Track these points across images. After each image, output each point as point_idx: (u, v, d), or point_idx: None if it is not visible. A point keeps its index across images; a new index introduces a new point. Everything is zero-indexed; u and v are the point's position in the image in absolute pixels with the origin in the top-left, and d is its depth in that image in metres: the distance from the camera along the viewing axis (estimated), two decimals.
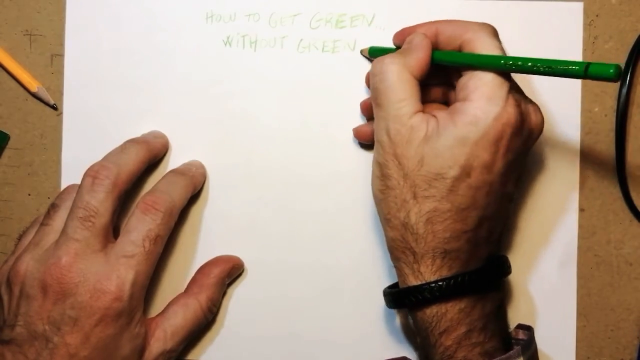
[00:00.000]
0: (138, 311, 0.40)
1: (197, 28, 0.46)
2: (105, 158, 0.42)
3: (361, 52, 0.45)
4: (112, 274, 0.39)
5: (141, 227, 0.40)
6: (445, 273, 0.38)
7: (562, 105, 0.45)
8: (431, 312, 0.38)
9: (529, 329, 0.41)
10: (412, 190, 0.38)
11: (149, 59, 0.46)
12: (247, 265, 0.46)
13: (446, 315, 0.37)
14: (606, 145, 0.46)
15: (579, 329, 0.45)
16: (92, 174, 0.41)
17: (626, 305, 0.46)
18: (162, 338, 0.41)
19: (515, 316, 0.45)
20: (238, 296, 0.46)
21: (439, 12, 0.45)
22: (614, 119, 0.45)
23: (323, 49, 0.46)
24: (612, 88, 0.45)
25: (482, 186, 0.37)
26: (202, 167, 0.45)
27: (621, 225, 0.46)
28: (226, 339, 0.46)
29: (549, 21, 0.45)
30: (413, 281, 0.38)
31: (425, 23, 0.41)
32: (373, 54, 0.45)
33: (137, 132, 0.45)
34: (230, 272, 0.45)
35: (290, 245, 0.46)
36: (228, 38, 0.46)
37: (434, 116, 0.38)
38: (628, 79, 0.45)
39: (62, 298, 0.38)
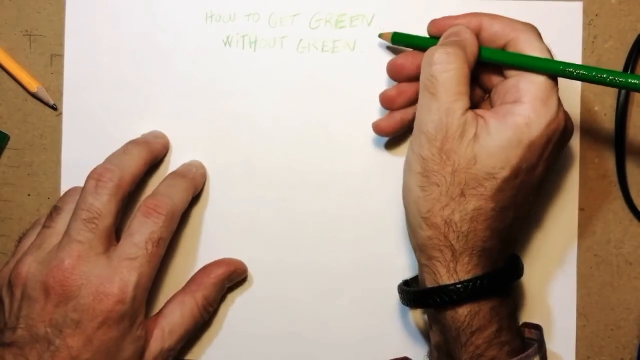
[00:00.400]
0: (140, 314, 0.40)
1: (196, 28, 0.46)
2: (108, 160, 0.42)
3: (380, 35, 0.44)
4: (114, 276, 0.39)
5: (143, 230, 0.40)
6: (478, 271, 0.37)
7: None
8: (464, 311, 0.37)
9: (537, 328, 0.41)
10: (460, 188, 0.37)
11: (149, 59, 0.46)
12: (247, 264, 0.46)
13: (479, 313, 0.37)
14: (606, 144, 0.46)
15: (579, 328, 0.45)
16: (95, 176, 0.40)
17: (626, 304, 0.46)
18: (160, 337, 0.41)
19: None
20: (238, 296, 0.46)
21: (438, 12, 0.45)
22: (613, 118, 0.45)
23: (323, 49, 0.46)
24: (612, 88, 0.45)
25: (524, 187, 0.38)
26: (202, 167, 0.45)
27: (621, 224, 0.46)
28: (226, 339, 0.46)
29: (548, 20, 0.45)
30: (447, 280, 0.37)
31: (467, 15, 0.41)
32: (397, 40, 0.44)
33: (137, 132, 0.45)
34: (232, 275, 0.45)
35: (290, 245, 0.46)
36: (228, 38, 0.46)
37: (481, 116, 0.38)
38: None
39: (64, 300, 0.38)
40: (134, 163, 0.42)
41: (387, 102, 0.43)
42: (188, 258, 0.46)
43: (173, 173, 0.44)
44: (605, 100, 0.46)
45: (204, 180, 0.46)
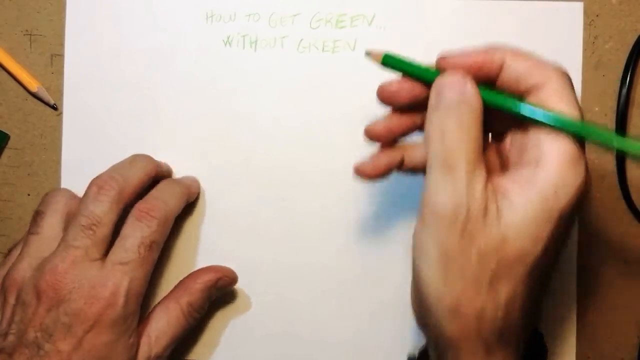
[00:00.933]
0: (134, 319, 0.39)
1: (197, 28, 0.46)
2: (113, 169, 0.42)
3: (368, 53, 0.37)
4: (107, 280, 0.38)
5: (136, 234, 0.40)
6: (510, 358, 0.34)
7: None
8: None
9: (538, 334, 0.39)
10: (489, 275, 0.32)
11: (149, 59, 0.46)
12: (247, 264, 0.46)
13: None
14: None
15: (579, 328, 0.45)
16: (99, 183, 0.40)
17: (626, 304, 0.46)
18: (147, 343, 0.41)
19: None
20: (237, 297, 0.46)
21: (438, 12, 0.45)
22: (614, 119, 0.45)
23: (323, 48, 0.46)
24: (612, 88, 0.45)
25: (554, 260, 0.34)
26: (196, 180, 0.45)
27: (621, 225, 0.46)
28: (226, 339, 0.46)
29: (549, 21, 0.45)
30: None
31: (488, 50, 0.35)
32: (389, 63, 0.37)
33: (137, 132, 0.45)
34: (219, 281, 0.44)
35: (290, 245, 0.46)
36: (228, 38, 0.46)
37: (499, 186, 0.33)
38: (628, 79, 0.45)
39: (55, 305, 0.38)
40: (139, 174, 0.42)
41: (374, 136, 0.38)
42: (186, 260, 0.46)
43: (167, 179, 0.44)
44: (605, 101, 0.46)
45: (198, 191, 0.45)
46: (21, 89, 0.46)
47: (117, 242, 0.40)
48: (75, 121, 0.46)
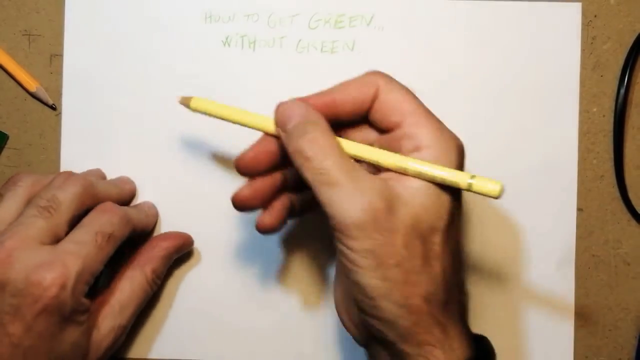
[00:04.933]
0: (80, 303, 0.38)
1: (195, 28, 0.46)
2: (89, 171, 0.43)
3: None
4: (56, 261, 0.37)
5: (95, 222, 0.39)
6: (468, 337, 0.35)
7: (560, 106, 0.45)
8: None
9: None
10: (420, 255, 0.33)
11: (148, 59, 0.46)
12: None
13: None
14: (604, 145, 0.46)
15: (577, 328, 0.46)
16: (68, 174, 0.40)
17: (624, 305, 0.46)
18: (110, 314, 0.40)
19: (513, 316, 0.45)
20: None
21: (437, 13, 0.45)
22: (612, 120, 0.45)
23: (322, 49, 0.46)
24: (611, 88, 0.45)
25: (459, 234, 0.36)
26: (153, 207, 0.46)
27: (619, 225, 0.46)
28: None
29: (547, 22, 0.45)
30: None
31: (312, 96, 0.37)
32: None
33: (136, 132, 0.46)
34: (180, 248, 0.44)
35: (284, 244, 0.46)
36: (227, 38, 0.46)
37: (391, 177, 0.35)
38: (626, 79, 0.45)
39: (2, 284, 0.36)
40: (111, 188, 0.43)
41: (242, 205, 0.38)
42: None
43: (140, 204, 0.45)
44: (604, 102, 0.46)
45: (155, 221, 0.45)
46: (20, 89, 0.46)
47: (74, 229, 0.39)
48: (74, 121, 0.46)
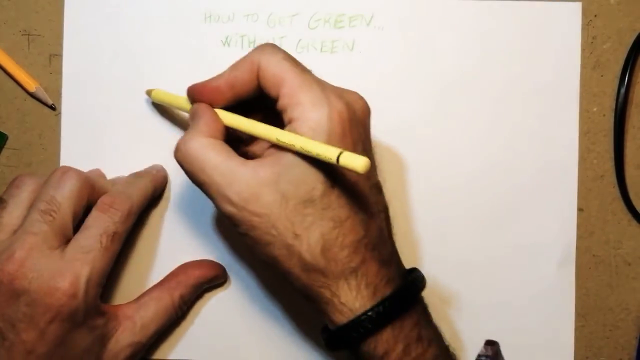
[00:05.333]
0: (94, 306, 0.39)
1: (195, 28, 0.46)
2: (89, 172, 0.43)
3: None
4: (66, 270, 0.38)
5: (98, 224, 0.40)
6: (368, 293, 0.36)
7: (560, 105, 0.45)
8: (366, 341, 0.36)
9: (494, 344, 0.40)
10: (291, 230, 0.35)
11: (148, 59, 0.46)
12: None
13: (381, 338, 0.36)
14: (605, 145, 0.46)
15: (577, 329, 0.45)
16: (63, 169, 0.40)
17: (624, 305, 0.46)
18: (130, 328, 0.41)
19: (514, 316, 0.45)
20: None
21: (437, 13, 0.45)
22: (612, 119, 0.45)
23: (322, 49, 0.46)
24: (611, 88, 0.45)
25: (350, 188, 0.36)
26: (162, 169, 0.45)
27: (619, 225, 0.46)
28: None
29: (547, 21, 0.45)
30: (342, 318, 0.36)
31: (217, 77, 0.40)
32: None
33: (135, 132, 0.45)
34: (212, 279, 0.44)
35: None
36: (227, 38, 0.46)
37: (266, 157, 0.37)
38: (627, 79, 0.45)
39: (15, 294, 0.37)
40: (102, 179, 0.43)
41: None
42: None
43: (133, 173, 0.44)
44: (604, 101, 0.46)
45: (165, 182, 0.45)
46: (19, 89, 0.46)
47: (79, 232, 0.40)
48: (73, 121, 0.46)
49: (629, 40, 0.45)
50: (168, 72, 0.46)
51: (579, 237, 0.46)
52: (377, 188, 0.38)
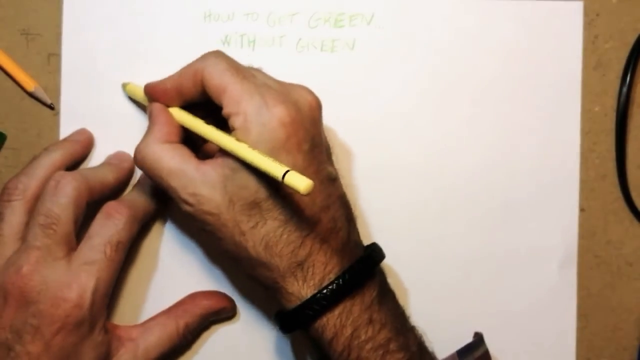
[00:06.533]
0: (100, 319, 0.39)
1: (195, 27, 0.45)
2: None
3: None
4: (72, 282, 0.38)
5: (102, 232, 0.40)
6: (314, 282, 0.37)
7: (562, 105, 0.45)
8: (314, 325, 0.38)
9: (476, 335, 0.40)
10: (238, 229, 0.37)
11: (147, 58, 0.46)
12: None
13: (328, 323, 0.37)
14: (606, 145, 0.45)
15: (579, 329, 0.45)
16: (57, 177, 0.40)
17: (626, 305, 0.45)
18: (132, 350, 0.41)
19: (514, 316, 0.45)
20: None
21: (437, 12, 0.45)
22: (614, 119, 0.45)
23: (322, 48, 0.46)
24: (613, 87, 0.45)
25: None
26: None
27: (621, 225, 0.45)
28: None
29: (549, 20, 0.45)
30: (289, 304, 0.38)
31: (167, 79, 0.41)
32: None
33: (134, 132, 0.45)
34: (220, 311, 0.44)
35: None
36: (226, 37, 0.46)
37: (217, 159, 0.38)
38: (628, 78, 0.45)
39: (23, 306, 0.38)
40: (103, 172, 0.42)
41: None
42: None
43: (140, 181, 0.44)
44: (605, 101, 0.45)
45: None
46: (18, 88, 0.46)
47: (84, 241, 0.40)
48: (72, 121, 0.46)
49: (631, 39, 0.45)
50: (168, 71, 0.45)
51: (581, 238, 0.45)
52: (330, 179, 0.39)
